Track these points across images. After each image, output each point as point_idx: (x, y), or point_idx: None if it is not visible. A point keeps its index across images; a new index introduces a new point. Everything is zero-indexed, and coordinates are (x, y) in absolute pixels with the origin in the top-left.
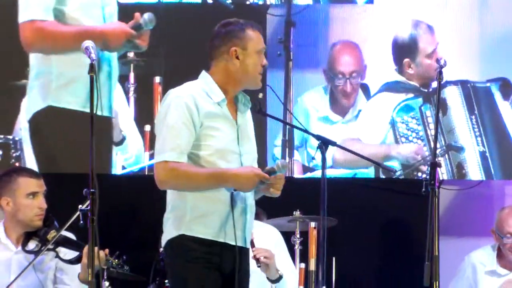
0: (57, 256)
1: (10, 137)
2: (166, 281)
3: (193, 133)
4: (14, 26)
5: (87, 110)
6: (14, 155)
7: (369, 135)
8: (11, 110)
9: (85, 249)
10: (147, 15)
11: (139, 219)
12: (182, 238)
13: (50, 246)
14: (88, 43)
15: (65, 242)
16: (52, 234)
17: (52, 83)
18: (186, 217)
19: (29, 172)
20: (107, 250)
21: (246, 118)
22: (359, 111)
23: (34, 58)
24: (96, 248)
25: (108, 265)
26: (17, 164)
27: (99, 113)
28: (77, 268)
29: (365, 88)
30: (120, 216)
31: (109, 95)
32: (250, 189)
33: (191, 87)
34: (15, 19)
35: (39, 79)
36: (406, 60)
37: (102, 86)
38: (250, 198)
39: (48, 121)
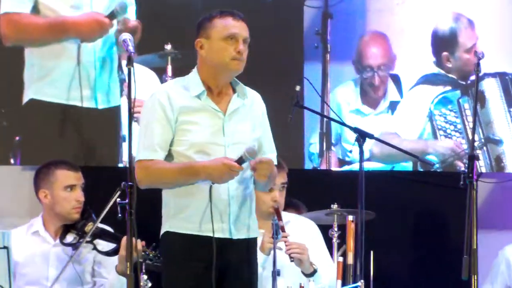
0: (95, 248)
1: None
2: None
3: (167, 128)
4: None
5: (69, 102)
6: None
7: (407, 128)
8: None
9: (123, 241)
10: (118, 3)
11: None
12: (167, 235)
13: (87, 239)
14: (126, 35)
15: (102, 234)
16: (89, 226)
17: (34, 75)
18: (171, 213)
19: (67, 165)
20: (143, 242)
21: (242, 109)
22: (391, 102)
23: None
24: (134, 240)
25: (145, 257)
26: None
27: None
28: (115, 260)
29: (396, 79)
30: (159, 208)
31: (107, 85)
32: (224, 179)
33: (168, 84)
34: None
35: (28, 71)
36: (445, 53)
37: (98, 76)
38: (236, 189)
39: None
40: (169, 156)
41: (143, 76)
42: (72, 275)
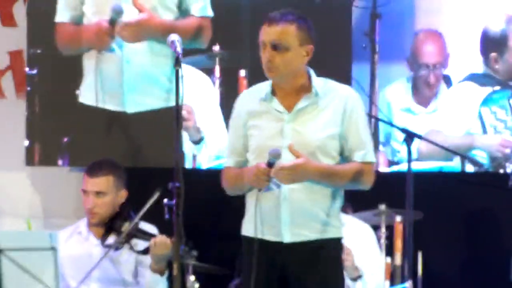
0: (131, 248)
1: None
2: None
3: (239, 135)
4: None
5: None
6: None
7: (453, 125)
8: None
9: (152, 240)
10: (112, 8)
11: (226, 213)
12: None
13: (122, 239)
14: (174, 36)
15: (138, 234)
16: (125, 226)
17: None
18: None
19: (89, 168)
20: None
21: (312, 106)
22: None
23: None
24: (163, 237)
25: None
26: None
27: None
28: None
29: (447, 79)
30: (207, 209)
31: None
32: (259, 183)
33: (251, 88)
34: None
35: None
36: (493, 54)
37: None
38: (292, 192)
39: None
40: (248, 162)
41: (196, 79)
42: (114, 276)
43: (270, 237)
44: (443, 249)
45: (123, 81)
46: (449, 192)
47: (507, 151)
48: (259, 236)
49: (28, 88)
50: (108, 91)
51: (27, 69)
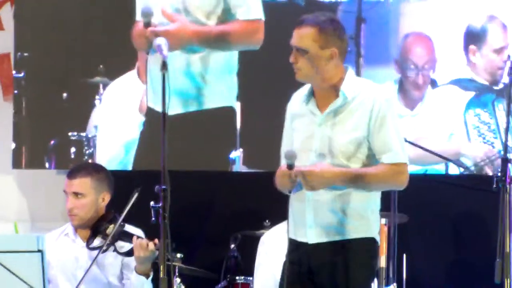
0: (115, 250)
1: (84, 134)
2: (237, 277)
3: (289, 136)
4: (87, 25)
5: None
6: (87, 152)
7: (437, 127)
8: (84, 108)
9: (136, 242)
10: (141, 10)
11: (212, 216)
12: None
13: (107, 241)
14: (160, 40)
15: (122, 236)
16: (110, 228)
17: None
18: None
19: (70, 171)
20: (156, 240)
21: (343, 108)
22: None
23: None
24: (144, 239)
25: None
26: (90, 161)
27: None
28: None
29: (433, 83)
30: (193, 212)
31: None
32: (286, 187)
33: (299, 90)
34: (88, 17)
35: None
36: (472, 46)
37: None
38: (316, 193)
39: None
40: None
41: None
42: (99, 278)
43: (300, 238)
44: (428, 252)
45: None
46: (433, 194)
47: (491, 156)
48: (292, 236)
49: (15, 91)
50: (156, 92)
51: (14, 72)
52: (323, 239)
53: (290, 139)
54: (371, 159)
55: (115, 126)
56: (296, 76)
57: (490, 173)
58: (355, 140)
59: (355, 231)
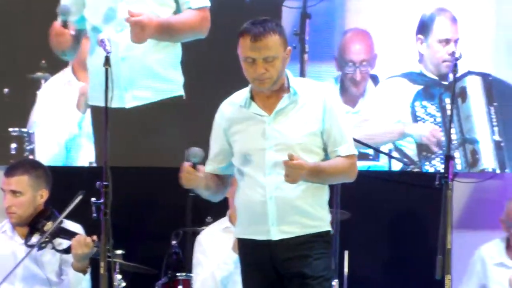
0: (53, 247)
1: (25, 130)
2: (178, 274)
3: (219, 143)
4: (29, 19)
5: None
6: (28, 148)
7: (384, 117)
8: (25, 103)
9: (75, 239)
10: (59, 7)
11: (154, 212)
12: None
13: (46, 238)
14: (103, 35)
15: (60, 233)
16: (48, 225)
17: None
18: None
19: (8, 168)
20: (95, 236)
21: (291, 106)
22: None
23: None
24: (82, 236)
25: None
26: (30, 156)
27: None
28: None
29: (375, 79)
30: (134, 209)
31: None
32: (188, 184)
33: (228, 99)
34: (30, 11)
35: None
36: (420, 36)
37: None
38: (276, 189)
39: None
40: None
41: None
42: (37, 275)
43: (260, 236)
44: (370, 248)
45: (119, 78)
46: (376, 191)
47: (435, 139)
48: (244, 236)
49: None
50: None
51: None
52: (288, 235)
53: (222, 145)
54: (325, 152)
55: (52, 123)
56: (263, 86)
57: (431, 170)
58: (313, 133)
59: (317, 225)
